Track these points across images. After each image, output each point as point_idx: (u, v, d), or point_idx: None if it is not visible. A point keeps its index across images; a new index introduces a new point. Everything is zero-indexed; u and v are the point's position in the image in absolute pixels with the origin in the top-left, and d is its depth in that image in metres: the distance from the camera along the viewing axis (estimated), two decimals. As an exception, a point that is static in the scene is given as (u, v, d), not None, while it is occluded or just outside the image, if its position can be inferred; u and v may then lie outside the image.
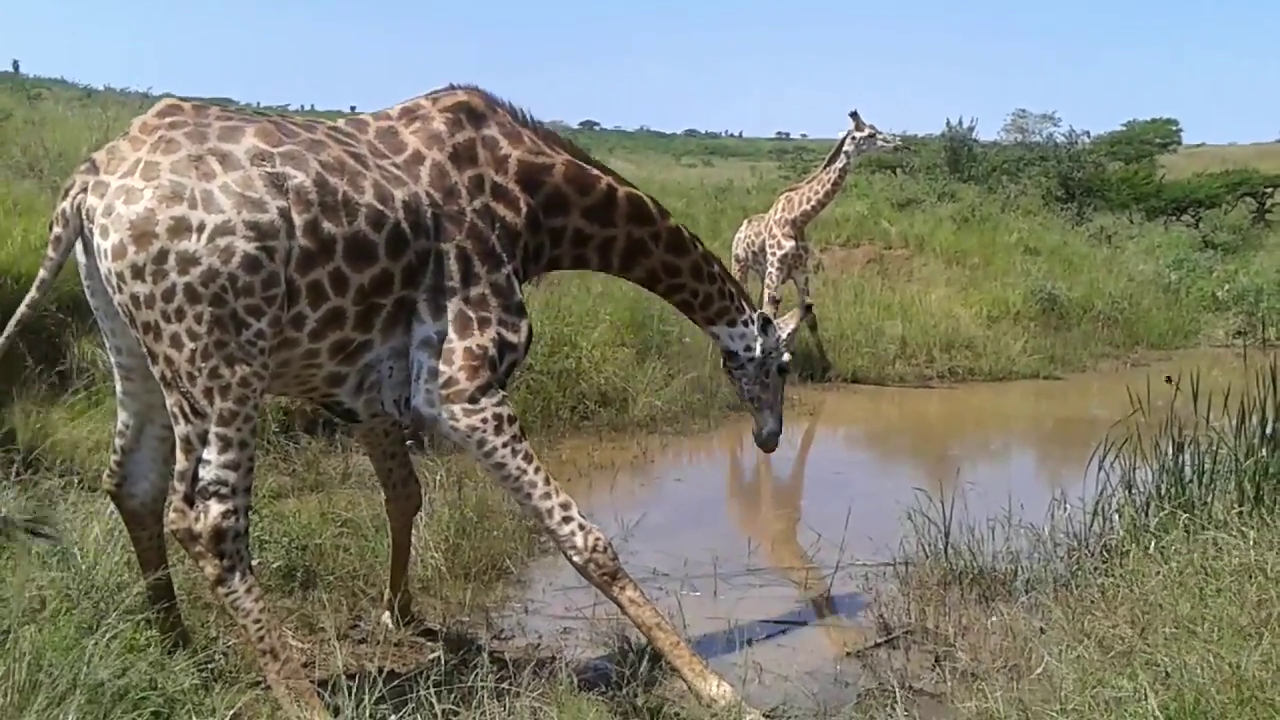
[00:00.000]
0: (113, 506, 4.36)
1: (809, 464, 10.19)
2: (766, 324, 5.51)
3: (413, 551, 5.40)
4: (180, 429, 3.64)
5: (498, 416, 4.08)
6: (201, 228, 3.49)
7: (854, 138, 12.14)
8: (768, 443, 5.93)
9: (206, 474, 3.64)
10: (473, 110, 4.39)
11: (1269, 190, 30.81)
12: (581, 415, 9.78)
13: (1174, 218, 29.13)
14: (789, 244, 12.44)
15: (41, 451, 6.13)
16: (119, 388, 4.04)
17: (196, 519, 3.66)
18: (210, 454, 3.63)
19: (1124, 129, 48.17)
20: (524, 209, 4.38)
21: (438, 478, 6.53)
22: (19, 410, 6.64)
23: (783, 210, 12.62)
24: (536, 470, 4.13)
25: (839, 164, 12.22)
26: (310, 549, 5.57)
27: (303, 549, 5.53)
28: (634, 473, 8.76)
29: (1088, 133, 35.09)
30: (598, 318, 10.70)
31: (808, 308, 12.40)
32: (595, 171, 4.71)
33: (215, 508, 3.64)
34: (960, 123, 33.64)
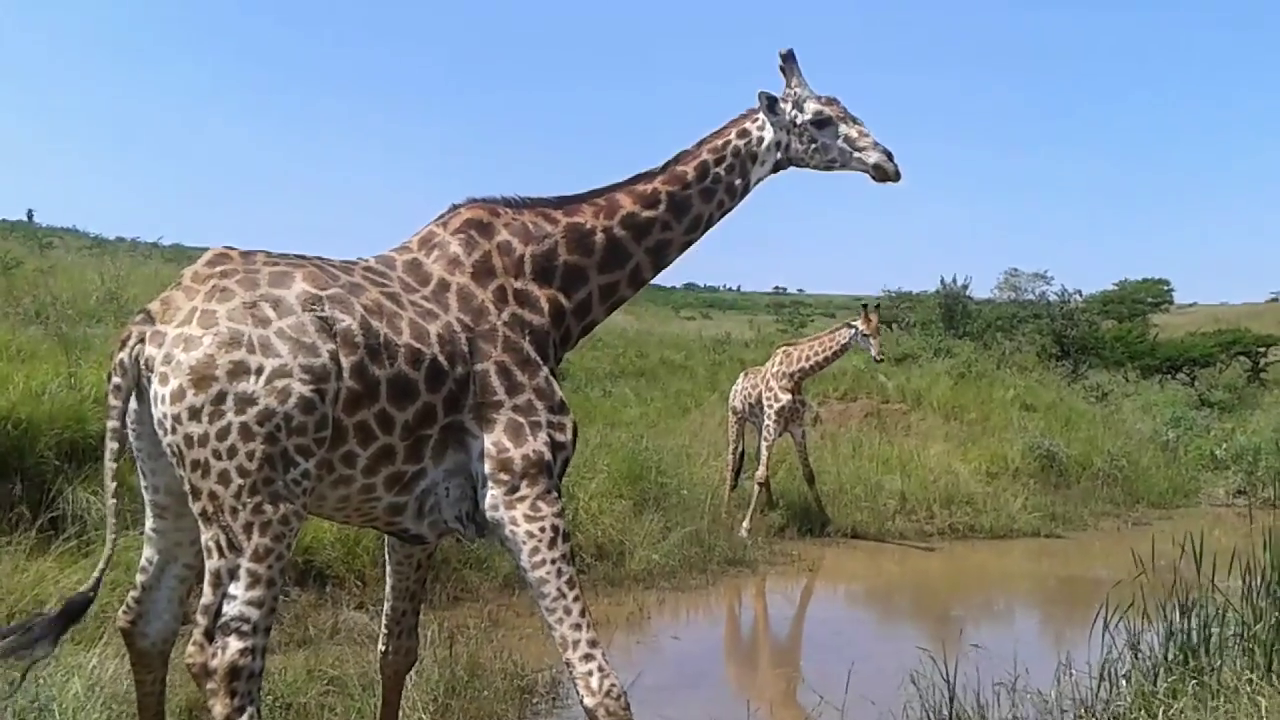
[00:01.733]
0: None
1: (808, 622, 9.99)
2: (771, 103, 4.92)
3: (400, 712, 5.24)
4: (213, 563, 3.67)
5: (555, 529, 4.15)
6: (260, 370, 3.62)
7: (856, 329, 12.51)
8: (881, 178, 4.96)
9: (230, 609, 3.64)
10: (480, 223, 4.57)
11: (1263, 350, 31.21)
12: (577, 568, 9.60)
13: (1169, 376, 29.43)
14: (786, 397, 12.53)
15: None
16: (149, 524, 4.09)
17: (214, 655, 3.62)
18: (237, 589, 3.64)
19: (1116, 288, 49.15)
20: (546, 306, 4.55)
21: (429, 633, 6.39)
22: (6, 559, 6.54)
23: (780, 364, 12.76)
24: (576, 598, 4.15)
25: (842, 338, 12.45)
26: (295, 707, 5.41)
27: (287, 707, 5.38)
28: (630, 630, 8.57)
29: (1080, 291, 35.85)
30: (595, 468, 10.65)
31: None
32: (586, 215, 4.74)
33: (234, 644, 3.61)
34: (954, 280, 34.41)
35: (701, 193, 4.88)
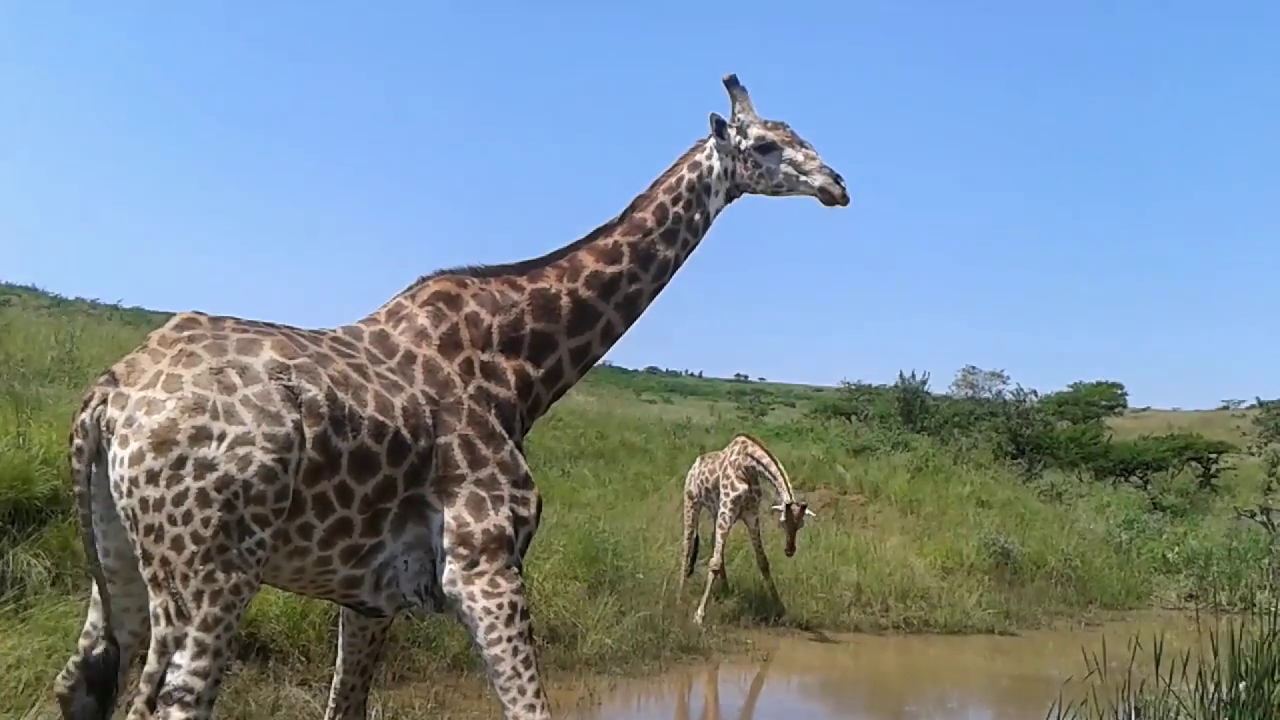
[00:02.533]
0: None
1: (760, 714, 9.84)
2: (720, 126, 4.87)
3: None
4: (160, 630, 3.58)
5: (514, 605, 4.09)
6: (223, 437, 3.58)
7: (783, 510, 12.20)
8: (829, 201, 4.86)
9: (174, 679, 3.54)
10: (448, 295, 4.56)
11: (1214, 456, 31.72)
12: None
13: (1122, 478, 29.79)
14: (742, 487, 12.53)
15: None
16: (96, 590, 3.98)
17: None
18: (183, 659, 3.55)
19: (1071, 390, 49.98)
20: (513, 379, 4.51)
21: (373, 713, 6.22)
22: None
23: (739, 454, 12.74)
24: (531, 678, 4.07)
25: (785, 498, 12.16)
26: (231, 786, 5.22)
27: (223, 785, 5.17)
28: (580, 716, 8.40)
29: (1035, 391, 36.48)
30: (551, 549, 10.53)
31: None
32: (550, 279, 4.69)
33: (176, 715, 3.52)
34: (913, 375, 34.85)
35: (664, 236, 4.84)
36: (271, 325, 4.10)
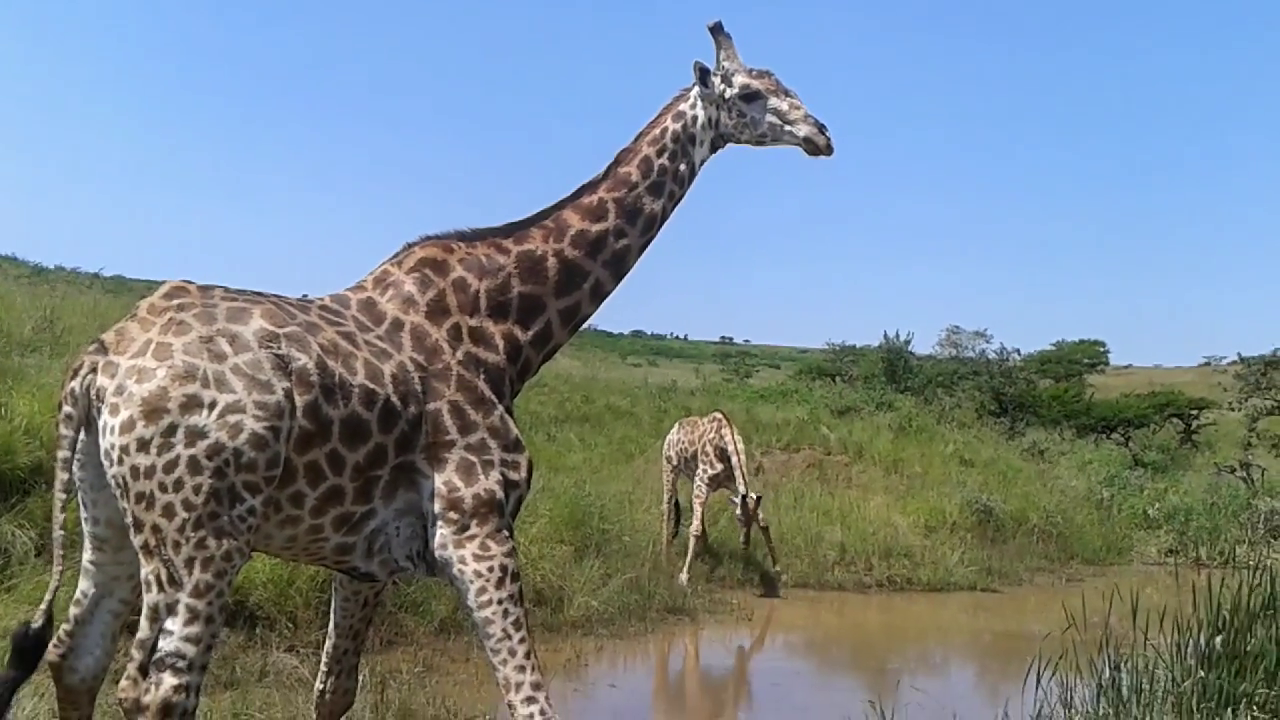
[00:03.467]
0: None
1: (747, 674, 9.95)
2: (704, 75, 4.82)
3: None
4: (151, 597, 3.61)
5: (504, 569, 4.12)
6: (213, 405, 3.59)
7: (736, 504, 12.30)
8: (813, 150, 4.84)
9: (166, 645, 3.57)
10: (434, 261, 4.54)
11: (1194, 413, 31.97)
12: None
13: (1104, 435, 30.04)
14: (720, 466, 12.65)
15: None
16: (87, 557, 4.00)
17: (147, 691, 3.55)
18: (175, 625, 3.58)
19: (1053, 348, 50.21)
20: (501, 343, 4.51)
21: (361, 678, 6.25)
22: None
23: (715, 433, 12.78)
24: (522, 640, 4.12)
25: (739, 489, 12.27)
26: (220, 751, 5.25)
27: (212, 751, 5.21)
28: (566, 677, 8.48)
29: (1018, 350, 36.65)
30: (537, 513, 10.57)
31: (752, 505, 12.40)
32: (536, 241, 4.66)
33: (169, 680, 3.55)
34: (897, 335, 34.95)
35: (650, 189, 4.80)
36: (260, 294, 4.09)
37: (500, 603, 4.10)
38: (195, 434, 3.56)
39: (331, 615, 4.75)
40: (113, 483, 3.65)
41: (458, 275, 4.54)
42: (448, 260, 4.57)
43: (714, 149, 4.94)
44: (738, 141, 4.93)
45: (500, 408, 4.37)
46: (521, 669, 4.09)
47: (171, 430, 3.55)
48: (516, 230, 4.73)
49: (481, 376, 4.38)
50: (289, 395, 3.74)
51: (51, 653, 4.00)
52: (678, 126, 4.84)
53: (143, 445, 3.55)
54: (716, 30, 4.87)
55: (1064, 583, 14.55)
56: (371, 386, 3.99)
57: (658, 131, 4.84)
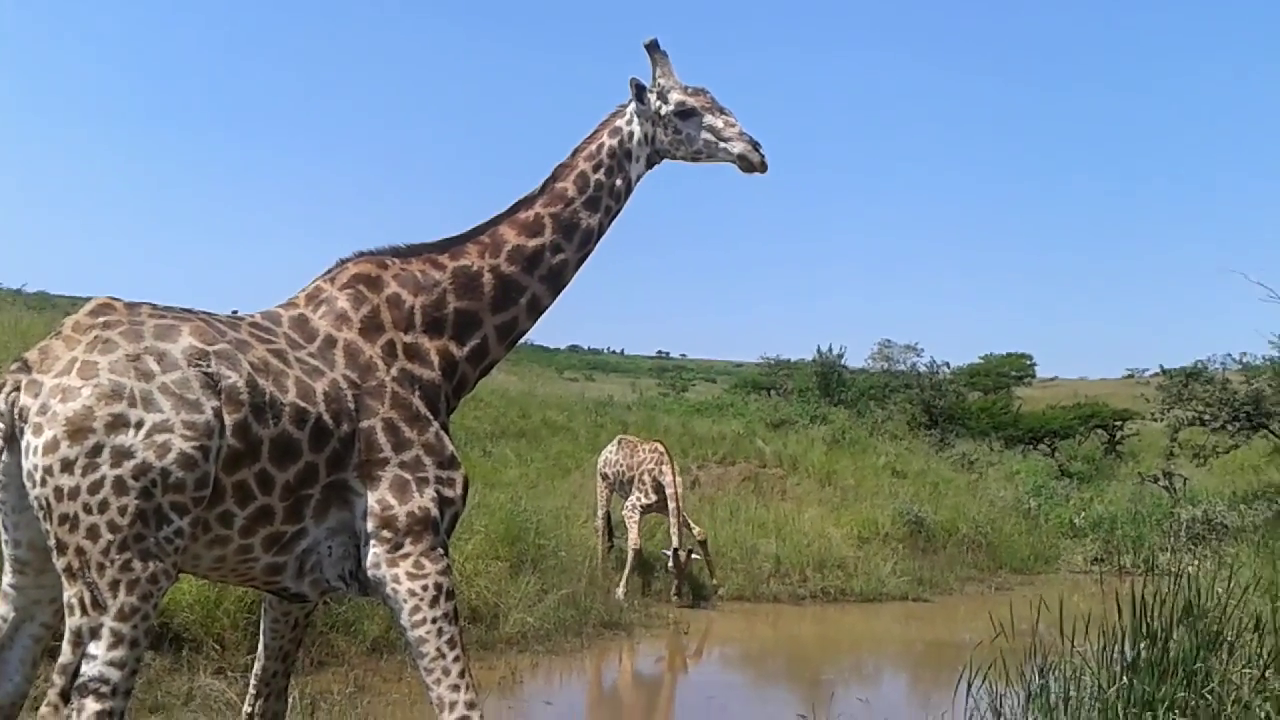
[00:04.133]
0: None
1: (683, 688, 9.95)
2: (641, 91, 4.85)
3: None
4: (74, 621, 3.51)
5: (438, 587, 4.07)
6: (140, 424, 3.51)
7: (669, 556, 12.41)
8: (747, 168, 4.88)
9: (89, 669, 3.47)
10: (368, 278, 4.47)
11: (1118, 423, 32.73)
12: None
13: (1031, 446, 30.62)
14: (655, 498, 12.71)
15: None
16: (6, 580, 3.89)
17: (69, 717, 3.46)
18: (98, 649, 3.48)
19: (982, 361, 51.12)
20: (436, 360, 4.46)
21: (290, 700, 6.13)
22: None
23: (654, 465, 12.79)
24: (456, 659, 4.06)
25: (673, 540, 12.34)
26: (143, 778, 5.11)
27: (134, 778, 5.06)
28: (501, 695, 8.40)
29: (948, 364, 37.33)
30: (472, 529, 10.48)
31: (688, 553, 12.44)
32: (472, 256, 4.63)
33: (91, 706, 3.45)
34: (830, 349, 35.36)
35: (586, 204, 4.80)
36: (189, 311, 4.01)
37: (434, 621, 4.05)
38: (121, 454, 3.48)
39: (261, 637, 4.66)
40: (35, 504, 3.55)
41: (392, 291, 4.48)
42: (382, 276, 4.51)
43: (650, 165, 4.96)
44: (673, 158, 4.96)
45: (435, 424, 4.32)
46: (455, 688, 4.04)
47: (97, 450, 3.46)
48: (452, 246, 4.69)
49: (416, 393, 4.33)
50: (218, 414, 3.67)
51: None
52: (614, 142, 4.86)
53: (67, 466, 3.45)
54: (653, 48, 4.90)
55: (993, 591, 14.79)
56: (303, 405, 3.93)
57: (594, 147, 4.85)
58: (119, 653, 3.50)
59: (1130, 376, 55.89)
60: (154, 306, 3.93)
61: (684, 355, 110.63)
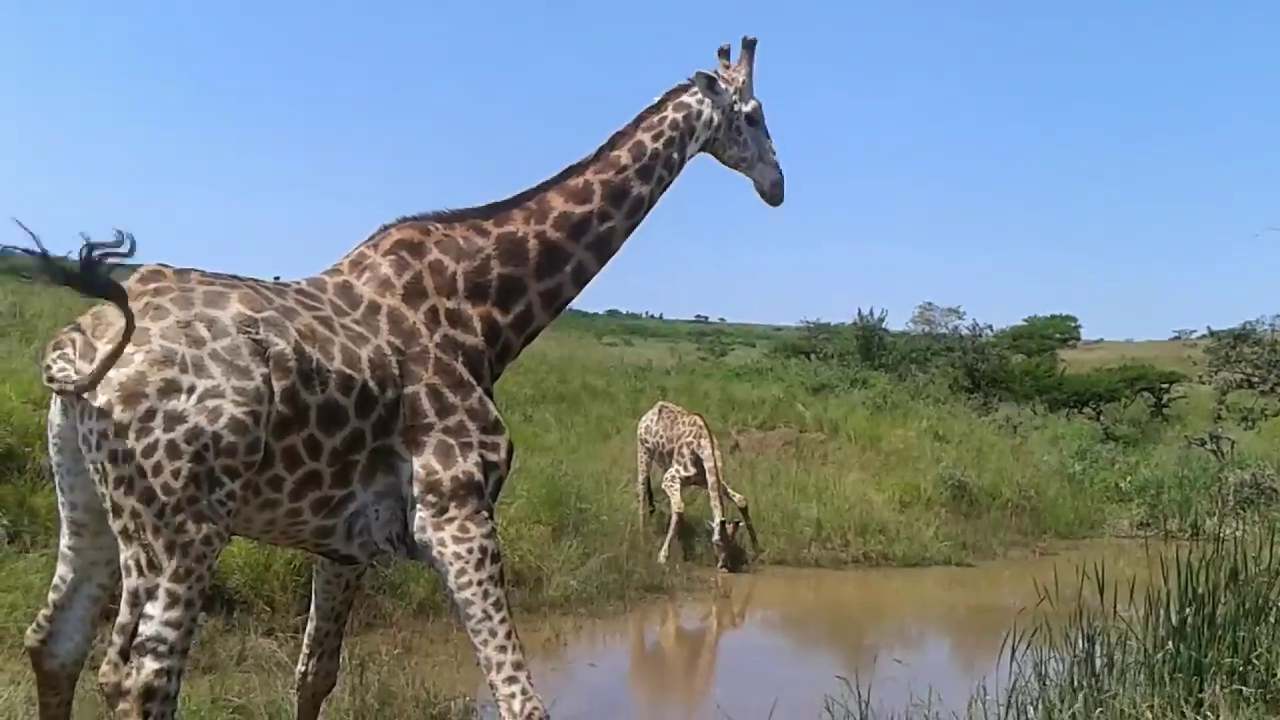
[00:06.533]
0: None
1: (726, 651, 10.02)
2: (710, 82, 4.95)
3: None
4: (131, 581, 3.60)
5: (484, 550, 4.14)
6: (192, 389, 3.58)
7: (714, 529, 12.36)
8: (773, 196, 5.17)
9: (147, 629, 3.57)
10: (411, 243, 4.51)
11: (1165, 386, 32.25)
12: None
13: (1075, 410, 30.23)
14: (694, 471, 12.71)
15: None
16: (65, 542, 3.99)
17: (129, 675, 3.56)
18: (155, 609, 3.57)
19: (1025, 324, 50.56)
20: (479, 325, 4.50)
21: (340, 659, 6.25)
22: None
23: (694, 437, 12.80)
24: (502, 620, 4.13)
25: (716, 512, 12.33)
26: (199, 736, 5.24)
27: (191, 736, 5.19)
28: (545, 657, 8.49)
29: (991, 326, 36.84)
30: (514, 494, 10.56)
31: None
32: (518, 223, 4.65)
33: (150, 665, 3.55)
34: (871, 313, 35.09)
35: (640, 172, 4.82)
36: (236, 278, 4.07)
37: (480, 584, 4.11)
38: (174, 418, 3.55)
39: (313, 598, 4.76)
40: (91, 468, 3.64)
41: (434, 258, 4.51)
42: (424, 242, 4.54)
43: (700, 149, 5.02)
44: (714, 153, 5.06)
45: (479, 390, 4.36)
46: (502, 649, 4.11)
47: (150, 415, 3.53)
48: (497, 212, 4.71)
49: (459, 359, 4.37)
50: (267, 380, 3.73)
51: (30, 638, 4.01)
52: (679, 116, 4.91)
53: (121, 430, 3.53)
54: (750, 46, 5.02)
55: (1037, 556, 14.68)
56: (348, 371, 3.98)
57: (657, 118, 4.89)
58: (175, 613, 3.59)
59: (1177, 338, 54.97)
60: (203, 274, 3.99)
61: (723, 319, 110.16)
